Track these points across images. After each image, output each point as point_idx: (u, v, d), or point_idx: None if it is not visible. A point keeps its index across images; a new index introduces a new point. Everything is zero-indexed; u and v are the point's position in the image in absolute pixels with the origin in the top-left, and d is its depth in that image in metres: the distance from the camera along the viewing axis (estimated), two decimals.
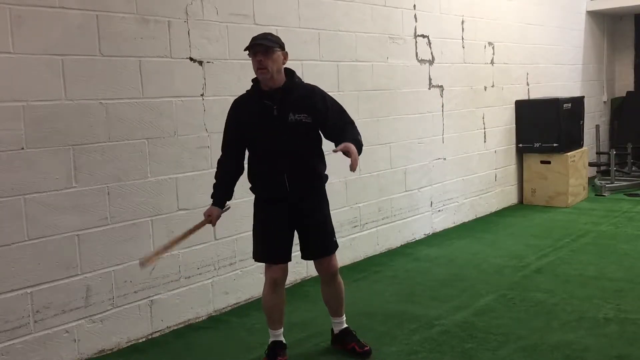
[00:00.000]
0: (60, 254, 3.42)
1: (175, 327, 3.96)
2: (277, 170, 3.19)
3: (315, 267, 3.43)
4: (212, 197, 3.32)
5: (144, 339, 3.81)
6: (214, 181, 3.33)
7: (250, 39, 3.15)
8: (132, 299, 3.75)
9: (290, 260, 3.35)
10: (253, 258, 3.41)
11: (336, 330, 3.55)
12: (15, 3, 3.20)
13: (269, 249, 3.31)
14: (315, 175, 3.31)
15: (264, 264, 3.35)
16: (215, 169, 3.37)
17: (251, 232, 3.38)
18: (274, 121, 3.16)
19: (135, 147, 3.73)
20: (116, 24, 3.61)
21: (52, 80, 3.36)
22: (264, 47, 3.08)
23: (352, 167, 3.02)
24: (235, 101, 3.33)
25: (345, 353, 3.46)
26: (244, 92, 3.32)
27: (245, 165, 3.36)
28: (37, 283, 3.33)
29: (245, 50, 3.15)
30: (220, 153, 3.37)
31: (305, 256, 3.42)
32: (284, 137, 3.16)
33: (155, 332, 3.87)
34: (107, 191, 3.61)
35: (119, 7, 3.63)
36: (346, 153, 3.04)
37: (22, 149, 3.26)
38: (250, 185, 3.34)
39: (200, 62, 4.04)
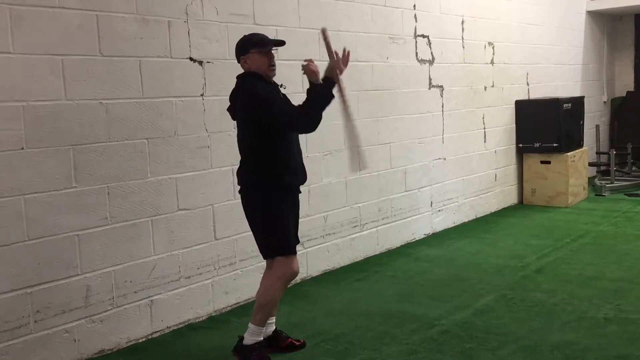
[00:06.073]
0: (60, 254, 3.42)
1: (175, 327, 3.96)
2: (299, 154, 3.31)
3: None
4: (322, 87, 3.25)
5: (144, 339, 3.81)
6: (308, 106, 3.17)
7: (261, 37, 3.28)
8: (132, 299, 3.75)
9: None
10: (285, 253, 3.23)
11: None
12: (15, 3, 3.20)
13: (294, 240, 3.31)
14: None
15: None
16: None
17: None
18: None
19: (135, 147, 3.73)
20: (116, 24, 3.61)
21: (52, 80, 3.36)
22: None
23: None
24: (265, 82, 3.24)
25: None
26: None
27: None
28: (37, 283, 3.33)
29: (264, 47, 3.23)
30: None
31: None
32: None
33: (155, 332, 3.87)
34: (107, 191, 3.60)
35: (119, 7, 3.63)
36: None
37: (22, 149, 3.26)
38: (268, 175, 3.21)
39: (200, 62, 4.03)
